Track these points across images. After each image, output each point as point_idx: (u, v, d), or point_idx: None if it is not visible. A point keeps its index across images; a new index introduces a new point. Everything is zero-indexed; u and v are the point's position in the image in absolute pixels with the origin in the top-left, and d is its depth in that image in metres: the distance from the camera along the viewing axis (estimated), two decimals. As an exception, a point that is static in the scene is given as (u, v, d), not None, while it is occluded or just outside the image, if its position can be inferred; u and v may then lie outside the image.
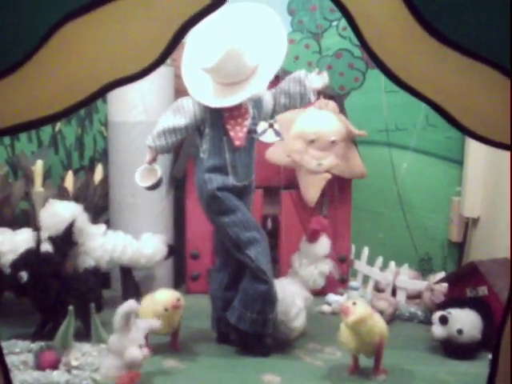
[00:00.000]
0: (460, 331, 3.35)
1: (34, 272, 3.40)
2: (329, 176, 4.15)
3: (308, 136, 4.03)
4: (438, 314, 3.42)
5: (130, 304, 2.95)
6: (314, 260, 3.76)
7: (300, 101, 3.45)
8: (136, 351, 2.91)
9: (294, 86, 3.41)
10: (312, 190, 4.17)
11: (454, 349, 3.42)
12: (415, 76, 2.31)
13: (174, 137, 3.30)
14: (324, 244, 3.79)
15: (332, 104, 4.04)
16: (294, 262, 3.82)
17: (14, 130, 2.40)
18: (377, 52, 2.25)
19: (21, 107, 2.20)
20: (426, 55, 2.24)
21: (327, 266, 3.81)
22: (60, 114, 2.27)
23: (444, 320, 3.36)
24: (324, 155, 4.07)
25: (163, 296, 3.35)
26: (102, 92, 2.24)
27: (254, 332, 3.38)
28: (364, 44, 2.23)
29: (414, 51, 2.24)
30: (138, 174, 3.36)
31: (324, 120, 4.05)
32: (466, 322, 3.39)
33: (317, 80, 3.43)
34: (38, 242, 3.53)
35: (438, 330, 3.40)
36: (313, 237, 3.75)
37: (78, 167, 4.88)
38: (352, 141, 4.18)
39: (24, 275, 3.37)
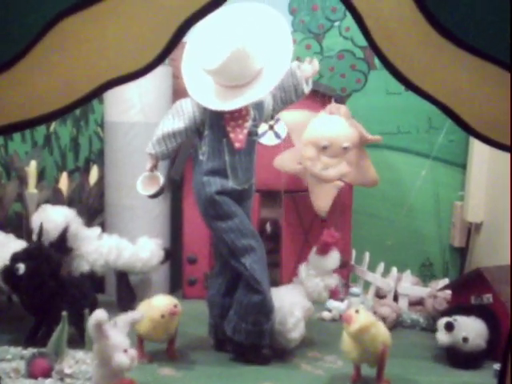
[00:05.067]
0: (465, 339, 3.27)
1: (32, 266, 3.31)
2: (341, 184, 4.00)
3: (320, 142, 3.86)
4: (443, 321, 3.34)
5: (99, 313, 2.77)
6: (321, 273, 3.68)
7: (295, 93, 3.37)
8: (121, 357, 2.77)
9: (286, 78, 3.31)
10: (323, 199, 4.01)
11: (459, 357, 3.34)
12: (424, 77, 2.23)
13: (174, 141, 3.22)
14: (334, 258, 3.70)
15: (344, 109, 3.92)
16: (301, 272, 3.74)
17: (7, 130, 2.32)
18: (385, 52, 2.17)
19: (14, 106, 2.12)
20: (436, 56, 2.17)
21: (333, 281, 3.73)
22: (55, 114, 2.18)
23: (450, 327, 3.28)
24: (336, 162, 3.90)
25: (160, 302, 3.26)
26: (99, 91, 2.15)
27: (249, 343, 3.30)
28: (372, 44, 2.15)
29: (423, 51, 2.17)
30: (140, 183, 3.28)
31: (336, 126, 3.90)
32: (471, 329, 3.31)
33: (307, 68, 3.36)
34: (40, 237, 3.46)
35: (443, 337, 3.32)
36: (323, 250, 3.67)
37: (73, 168, 4.79)
38: (364, 147, 4.04)
39: (21, 267, 3.29)
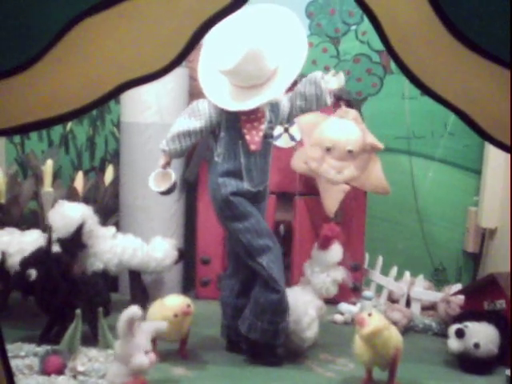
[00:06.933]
0: (477, 345, 3.26)
1: (44, 271, 3.33)
2: (347, 188, 3.99)
3: (324, 143, 3.89)
4: (454, 328, 3.33)
5: (134, 310, 2.85)
6: (326, 268, 3.69)
7: (316, 103, 3.36)
8: (142, 357, 2.82)
9: (309, 87, 3.32)
10: (330, 201, 4.02)
11: (471, 363, 3.33)
12: (439, 81, 2.23)
13: (188, 140, 3.23)
14: (336, 251, 3.71)
15: (353, 113, 3.91)
16: (306, 270, 3.75)
17: (25, 129, 2.34)
18: (402, 56, 2.18)
19: (33, 106, 2.14)
20: (453, 60, 2.16)
21: (340, 274, 3.74)
22: (73, 114, 2.20)
23: (460, 333, 3.27)
24: (343, 165, 3.91)
25: (173, 302, 3.27)
26: (117, 92, 2.17)
27: (264, 342, 3.31)
28: (389, 48, 2.16)
29: (440, 56, 2.17)
30: (152, 179, 3.29)
31: (342, 128, 3.90)
32: (482, 335, 3.30)
33: (332, 81, 3.34)
34: (49, 241, 3.47)
35: (453, 344, 3.32)
36: (324, 244, 3.68)
37: (89, 168, 4.81)
38: (375, 153, 4.02)
39: (33, 273, 3.30)
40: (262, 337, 3.29)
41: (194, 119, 3.21)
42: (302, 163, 4.02)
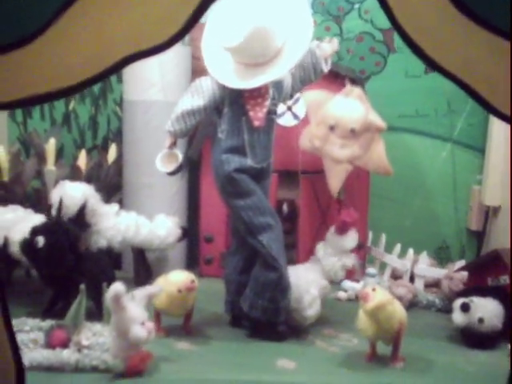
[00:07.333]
0: (481, 320, 3.27)
1: (52, 239, 3.34)
2: (350, 167, 3.96)
3: (327, 121, 3.86)
4: (459, 301, 3.33)
5: (117, 286, 2.83)
6: (339, 252, 3.69)
7: (313, 71, 3.37)
8: (139, 329, 2.82)
9: (305, 57, 3.31)
10: (333, 180, 3.99)
11: (474, 338, 3.34)
12: (445, 55, 2.22)
13: (193, 119, 3.22)
14: (352, 237, 3.72)
15: (357, 91, 3.88)
16: (318, 250, 3.75)
17: (28, 102, 2.34)
18: (407, 30, 2.16)
19: (35, 79, 2.14)
20: (459, 35, 2.16)
21: (351, 261, 3.74)
22: (76, 87, 2.20)
23: (466, 307, 3.27)
24: (346, 144, 3.87)
25: (177, 277, 3.28)
26: (120, 65, 2.17)
27: (265, 320, 3.32)
28: (394, 22, 2.14)
29: (445, 29, 2.16)
30: (159, 160, 3.31)
31: (346, 107, 3.87)
32: (487, 310, 3.30)
33: (326, 47, 3.37)
34: (59, 212, 3.49)
35: (458, 318, 3.32)
36: (342, 229, 3.68)
37: (91, 146, 4.81)
38: (379, 134, 3.96)
39: (40, 240, 3.31)
40: (263, 315, 3.30)
41: (198, 97, 3.20)
42: (308, 141, 4.01)
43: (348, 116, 3.85)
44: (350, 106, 3.87)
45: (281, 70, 3.17)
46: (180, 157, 3.30)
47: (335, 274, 3.68)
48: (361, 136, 3.87)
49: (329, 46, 3.38)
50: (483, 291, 3.44)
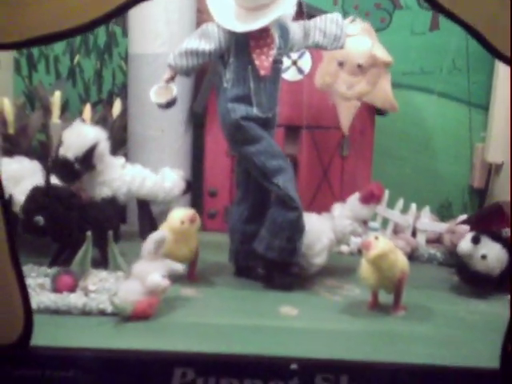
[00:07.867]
0: (484, 256, 3.29)
1: (49, 213, 3.34)
2: (358, 104, 4.02)
3: (337, 57, 3.91)
4: (471, 234, 3.35)
5: (163, 233, 3.02)
6: (354, 219, 3.68)
7: (333, 42, 3.43)
8: (159, 277, 2.90)
9: (330, 26, 3.38)
10: (343, 117, 4.05)
11: (469, 274, 3.37)
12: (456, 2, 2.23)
13: (195, 60, 3.23)
14: (371, 210, 3.70)
15: (364, 25, 3.88)
16: (335, 209, 3.72)
17: (34, 42, 2.34)
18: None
19: (40, 20, 2.15)
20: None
21: (360, 231, 3.73)
22: (82, 28, 2.22)
23: (476, 239, 3.28)
24: (355, 80, 3.92)
25: (179, 211, 3.35)
26: (126, 7, 2.18)
27: (281, 260, 3.34)
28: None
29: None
30: (154, 92, 3.29)
31: (353, 42, 3.86)
32: (492, 251, 3.32)
33: (350, 27, 3.49)
34: (48, 181, 3.47)
35: (464, 246, 3.33)
36: (367, 199, 3.65)
37: (96, 101, 4.81)
38: (387, 70, 4.02)
39: (40, 219, 3.31)
40: (280, 255, 3.32)
41: (204, 41, 3.21)
42: (321, 78, 4.04)
43: (355, 51, 3.87)
44: (357, 42, 3.87)
45: (281, 10, 3.19)
46: (175, 91, 3.27)
47: (343, 235, 3.68)
48: (368, 71, 3.91)
49: (351, 27, 3.51)
50: (496, 237, 3.43)
